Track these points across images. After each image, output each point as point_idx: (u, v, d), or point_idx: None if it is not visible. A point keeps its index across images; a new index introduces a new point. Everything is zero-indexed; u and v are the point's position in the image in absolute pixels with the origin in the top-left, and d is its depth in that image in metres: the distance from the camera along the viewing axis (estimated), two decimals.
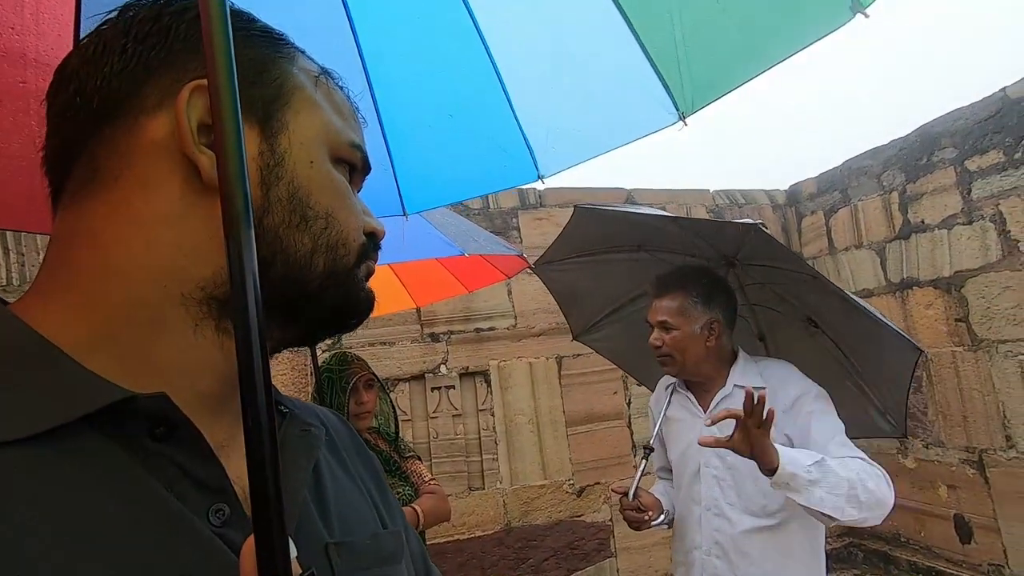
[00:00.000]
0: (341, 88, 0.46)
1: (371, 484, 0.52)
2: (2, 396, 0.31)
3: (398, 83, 0.93)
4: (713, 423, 1.27)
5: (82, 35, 0.54)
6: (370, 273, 0.45)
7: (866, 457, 1.31)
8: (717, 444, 1.24)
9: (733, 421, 1.43)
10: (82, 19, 0.60)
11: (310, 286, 0.41)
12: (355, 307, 0.44)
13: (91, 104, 0.37)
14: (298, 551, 0.38)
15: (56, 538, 0.29)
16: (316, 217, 0.40)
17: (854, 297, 1.39)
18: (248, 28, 0.42)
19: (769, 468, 1.21)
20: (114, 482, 0.32)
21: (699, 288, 1.49)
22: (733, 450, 1.23)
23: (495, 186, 1.08)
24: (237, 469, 0.39)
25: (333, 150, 0.43)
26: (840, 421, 1.39)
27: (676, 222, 1.58)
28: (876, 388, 1.56)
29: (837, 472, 1.23)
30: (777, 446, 1.23)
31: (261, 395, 0.31)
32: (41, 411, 0.31)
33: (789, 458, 1.22)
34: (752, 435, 1.20)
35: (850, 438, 1.37)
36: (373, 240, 0.45)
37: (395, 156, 1.03)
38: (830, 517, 1.23)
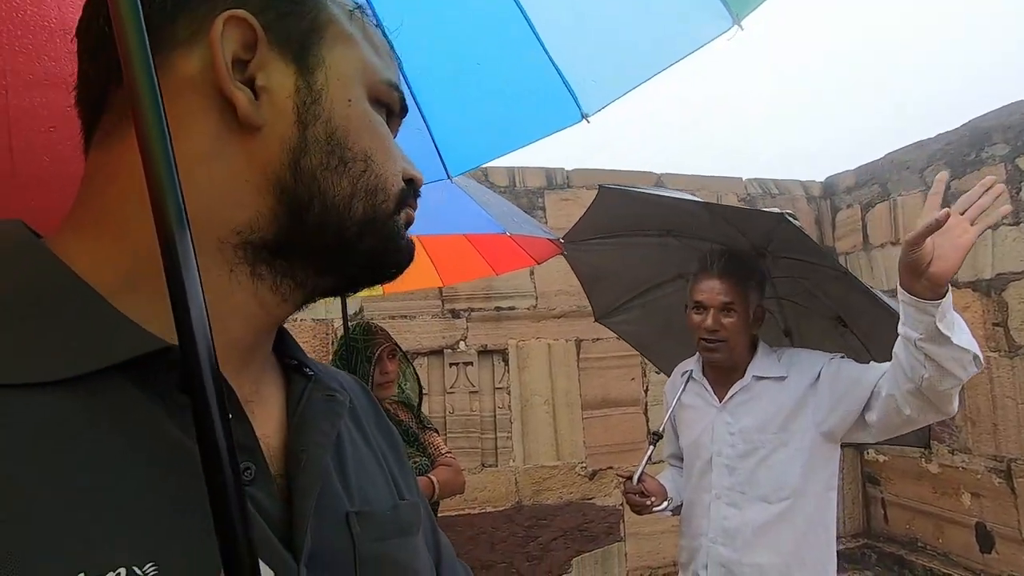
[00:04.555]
0: (376, 25, 0.44)
1: (389, 455, 0.51)
2: (36, 336, 0.31)
3: (418, 38, 0.87)
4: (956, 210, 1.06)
5: None
6: (409, 221, 0.43)
7: None
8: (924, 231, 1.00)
9: (747, 406, 1.43)
10: None
11: (348, 232, 0.39)
12: (394, 255, 0.42)
13: None
14: (319, 519, 0.37)
15: (83, 488, 0.28)
16: (355, 159, 0.38)
17: (883, 297, 1.33)
18: None
19: (940, 290, 1.05)
20: (142, 434, 0.31)
21: (754, 271, 1.45)
22: (913, 251, 1.02)
23: (537, 134, 0.99)
24: (263, 426, 0.39)
25: (371, 89, 0.41)
26: (864, 365, 1.36)
27: (706, 207, 1.52)
28: None
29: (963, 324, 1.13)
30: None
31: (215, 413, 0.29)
32: (75, 355, 0.30)
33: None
34: (960, 230, 1.02)
35: (875, 442, 1.34)
36: (412, 187, 0.43)
37: (428, 117, 0.97)
38: (962, 366, 1.08)
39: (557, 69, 0.88)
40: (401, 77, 0.45)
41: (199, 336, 0.29)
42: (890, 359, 1.25)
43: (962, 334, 1.08)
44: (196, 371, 0.28)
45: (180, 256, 0.29)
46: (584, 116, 0.90)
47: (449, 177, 1.05)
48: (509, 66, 0.92)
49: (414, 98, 0.94)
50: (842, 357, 1.40)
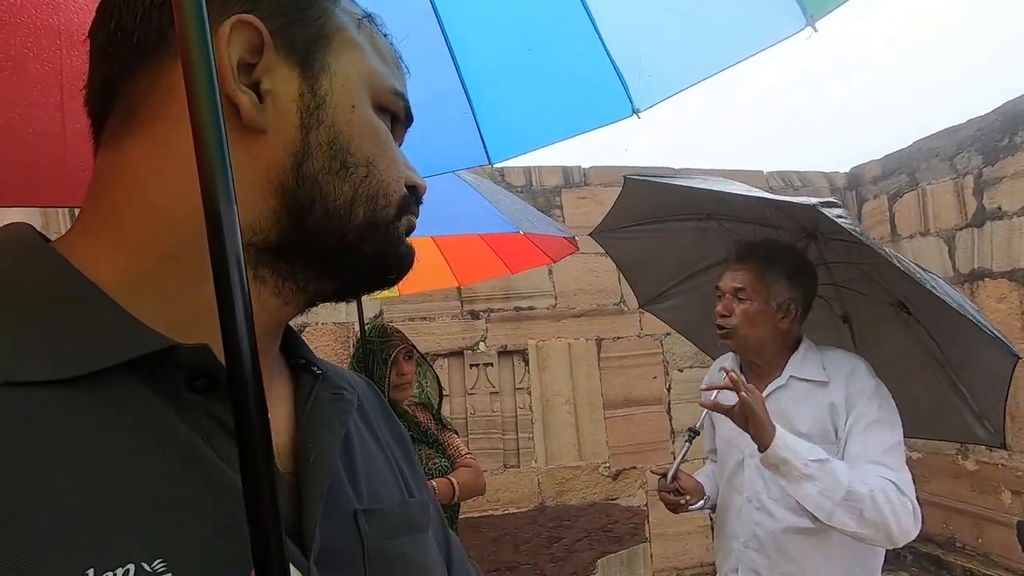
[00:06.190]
0: (384, 34, 0.45)
1: (399, 452, 0.52)
2: (44, 336, 0.31)
3: (470, 18, 0.86)
4: (709, 389, 1.28)
5: None
6: (410, 228, 0.44)
7: (904, 483, 1.22)
8: (716, 408, 1.26)
9: (784, 408, 1.36)
10: None
11: (349, 236, 0.39)
12: (395, 261, 0.43)
13: (131, 40, 0.36)
14: (328, 517, 0.37)
15: (90, 485, 0.29)
16: (357, 164, 0.39)
17: (946, 287, 1.24)
18: None
19: (762, 444, 1.20)
20: (151, 432, 0.31)
21: (787, 263, 1.37)
22: (730, 418, 1.24)
23: (585, 125, 0.96)
24: (271, 424, 0.39)
25: (375, 96, 0.41)
26: (897, 434, 1.28)
27: (744, 196, 1.43)
28: (973, 389, 1.41)
29: (839, 478, 1.17)
30: (780, 429, 1.20)
31: (250, 384, 0.29)
32: (83, 354, 0.31)
33: (786, 443, 1.19)
34: (746, 405, 1.19)
35: (941, 440, 1.30)
36: (414, 194, 0.44)
37: (474, 100, 0.95)
38: (813, 516, 1.22)
39: (612, 60, 0.85)
40: (407, 85, 0.45)
41: (240, 310, 0.29)
42: (957, 347, 1.27)
43: (804, 486, 1.19)
44: (236, 350, 0.28)
45: (226, 233, 0.29)
46: (635, 111, 0.87)
47: (490, 163, 1.04)
48: (562, 55, 0.89)
49: (461, 81, 0.93)
50: (872, 399, 1.30)
